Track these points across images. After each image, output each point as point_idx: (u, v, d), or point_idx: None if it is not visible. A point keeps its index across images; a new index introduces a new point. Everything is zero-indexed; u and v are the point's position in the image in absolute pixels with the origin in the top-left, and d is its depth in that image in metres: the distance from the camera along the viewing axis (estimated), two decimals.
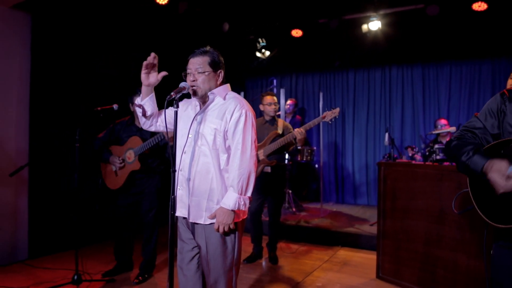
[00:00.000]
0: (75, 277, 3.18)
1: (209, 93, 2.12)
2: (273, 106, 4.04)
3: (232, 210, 2.01)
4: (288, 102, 6.46)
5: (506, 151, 1.58)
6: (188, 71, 2.10)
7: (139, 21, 5.23)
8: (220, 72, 2.16)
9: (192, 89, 2.08)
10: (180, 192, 2.13)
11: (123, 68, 5.10)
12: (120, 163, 3.44)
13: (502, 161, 1.49)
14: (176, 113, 1.98)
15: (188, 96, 2.22)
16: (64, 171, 4.33)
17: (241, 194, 2.02)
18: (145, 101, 2.16)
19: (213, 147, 2.07)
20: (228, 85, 2.21)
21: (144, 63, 2.05)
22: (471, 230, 2.95)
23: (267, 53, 6.92)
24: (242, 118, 2.08)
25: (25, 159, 4.07)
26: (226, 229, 2.03)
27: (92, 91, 4.68)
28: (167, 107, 1.93)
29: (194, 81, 2.07)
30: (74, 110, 4.41)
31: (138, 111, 2.22)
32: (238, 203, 2.01)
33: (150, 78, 2.09)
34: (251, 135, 2.09)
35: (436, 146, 4.60)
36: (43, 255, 4.18)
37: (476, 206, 1.62)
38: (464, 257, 2.99)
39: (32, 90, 4.17)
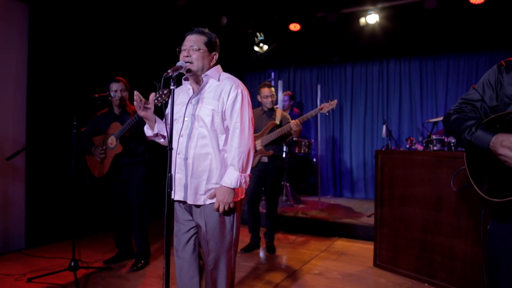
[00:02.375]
0: (72, 263, 3.17)
1: (203, 76, 2.13)
2: (269, 99, 4.04)
3: (232, 189, 2.02)
4: (283, 96, 6.46)
5: (501, 125, 1.56)
6: (183, 47, 2.10)
7: (137, 13, 5.23)
8: (215, 54, 2.17)
9: (187, 67, 2.07)
10: (179, 175, 2.13)
11: (120, 58, 5.09)
12: (101, 153, 3.47)
13: (509, 135, 1.44)
14: (173, 91, 1.98)
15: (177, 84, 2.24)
16: (61, 160, 4.32)
17: (242, 172, 2.04)
18: (156, 128, 2.21)
19: (212, 128, 2.08)
20: (219, 66, 2.22)
21: (135, 104, 2.10)
22: (468, 216, 2.95)
23: (265, 47, 6.93)
24: (239, 98, 2.09)
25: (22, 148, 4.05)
26: (226, 208, 2.03)
27: (89, 80, 4.66)
28: (164, 85, 1.93)
29: (187, 56, 2.06)
30: (71, 98, 4.40)
31: (158, 140, 2.29)
32: (240, 181, 2.03)
33: (148, 110, 2.14)
34: (248, 113, 2.11)
35: (434, 136, 4.62)
36: (40, 245, 4.17)
37: (472, 182, 1.59)
38: (461, 243, 2.99)
39: (29, 80, 4.16)
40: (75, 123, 3.18)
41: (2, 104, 3.96)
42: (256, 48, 6.89)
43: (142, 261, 3.57)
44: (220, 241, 2.12)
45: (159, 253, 3.92)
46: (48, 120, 4.29)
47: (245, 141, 2.06)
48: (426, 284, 3.19)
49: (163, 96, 2.99)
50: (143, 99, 2.13)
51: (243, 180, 2.05)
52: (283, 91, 6.42)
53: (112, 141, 3.45)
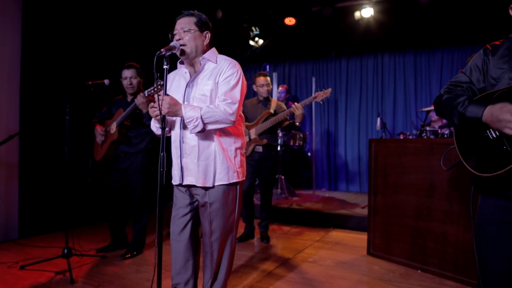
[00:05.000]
0: (65, 251, 3.16)
1: (200, 59, 2.14)
2: (265, 88, 4.05)
3: (182, 115, 1.98)
4: (280, 88, 6.48)
5: (490, 102, 1.58)
6: (175, 31, 2.11)
7: (132, 4, 5.22)
8: (207, 33, 2.17)
9: (181, 48, 2.08)
10: (185, 160, 2.14)
11: (115, 47, 5.07)
12: (102, 134, 3.49)
13: (505, 103, 1.46)
14: (166, 70, 1.98)
15: (172, 68, 2.25)
16: (55, 148, 4.29)
17: (202, 121, 1.98)
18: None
19: None
20: (215, 49, 2.23)
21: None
22: (460, 201, 2.98)
23: (261, 41, 6.94)
24: (234, 76, 2.11)
25: (16, 140, 4.03)
26: (157, 104, 1.95)
27: (84, 68, 4.65)
28: (157, 63, 1.92)
29: (180, 39, 2.07)
30: (65, 86, 4.39)
31: (168, 133, 2.27)
32: (192, 120, 1.97)
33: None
34: (239, 92, 2.11)
35: (428, 128, 4.65)
36: (33, 235, 4.16)
37: (462, 159, 1.63)
38: (453, 229, 3.01)
39: (23, 67, 4.14)
40: (68, 110, 3.17)
41: None
42: (251, 42, 6.91)
43: (135, 252, 3.57)
44: (223, 221, 2.16)
45: (153, 244, 3.91)
46: (41, 107, 4.28)
47: (228, 114, 2.03)
48: (419, 271, 3.21)
49: (159, 87, 3.01)
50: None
51: (194, 125, 1.98)
52: (278, 84, 6.43)
53: (113, 127, 3.46)
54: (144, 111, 3.30)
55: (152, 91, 3.11)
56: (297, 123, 3.87)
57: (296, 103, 3.78)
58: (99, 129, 3.52)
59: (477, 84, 1.69)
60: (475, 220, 1.73)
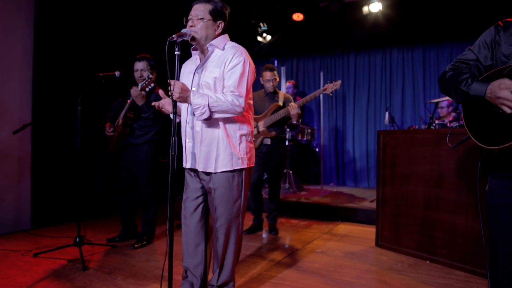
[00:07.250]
0: (77, 239, 3.22)
1: (208, 45, 2.16)
2: (271, 83, 4.05)
3: (189, 102, 2.02)
4: (287, 84, 6.49)
5: (500, 78, 1.58)
6: (190, 17, 2.14)
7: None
8: (220, 23, 2.19)
9: (191, 35, 2.11)
10: (189, 144, 2.19)
11: (127, 37, 5.11)
12: (109, 131, 3.56)
13: (504, 79, 1.47)
14: (178, 56, 2.01)
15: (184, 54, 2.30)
16: (67, 140, 4.34)
17: (209, 108, 2.01)
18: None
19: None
20: (226, 36, 2.25)
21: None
22: (468, 190, 2.97)
23: (269, 37, 6.96)
24: (240, 65, 2.11)
25: (28, 132, 4.11)
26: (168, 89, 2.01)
27: (96, 59, 4.70)
28: (168, 49, 1.95)
29: (192, 26, 2.10)
30: (77, 77, 4.43)
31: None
32: (200, 107, 2.00)
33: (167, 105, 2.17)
34: (246, 82, 2.12)
35: (437, 121, 4.64)
36: (45, 225, 4.22)
37: (469, 134, 1.61)
38: (461, 219, 3.01)
39: (35, 59, 4.20)
40: (79, 100, 3.23)
41: (8, 83, 4.00)
42: (259, 38, 6.94)
43: (145, 241, 3.61)
44: (228, 207, 2.17)
45: (163, 235, 3.96)
46: (53, 99, 4.34)
47: (235, 105, 2.05)
48: (428, 261, 3.21)
49: (148, 80, 3.11)
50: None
51: (201, 112, 2.00)
52: (286, 79, 6.44)
53: (119, 118, 3.53)
54: (140, 104, 3.36)
55: (144, 84, 3.22)
56: (294, 122, 3.91)
57: (292, 103, 3.82)
58: (107, 127, 3.58)
59: (484, 62, 1.69)
60: (485, 202, 1.70)
